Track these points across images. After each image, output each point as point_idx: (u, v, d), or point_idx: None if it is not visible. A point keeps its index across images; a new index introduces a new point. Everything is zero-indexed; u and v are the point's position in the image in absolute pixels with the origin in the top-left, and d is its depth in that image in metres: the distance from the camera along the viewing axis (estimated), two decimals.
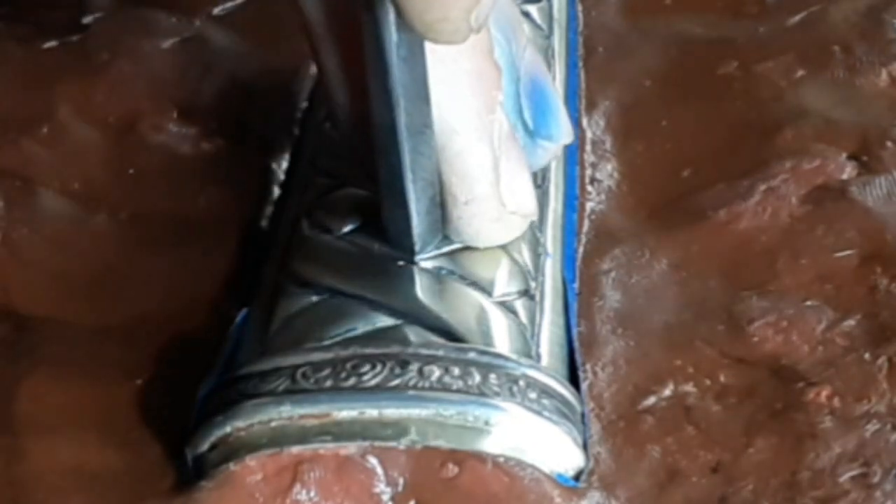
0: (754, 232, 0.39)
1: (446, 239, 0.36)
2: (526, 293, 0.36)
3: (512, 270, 0.36)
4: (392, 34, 0.31)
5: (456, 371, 0.33)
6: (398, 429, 0.33)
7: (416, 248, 0.35)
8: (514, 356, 0.34)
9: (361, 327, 0.35)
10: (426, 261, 0.36)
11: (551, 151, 0.37)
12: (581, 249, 0.40)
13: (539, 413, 0.33)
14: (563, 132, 0.37)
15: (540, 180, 0.39)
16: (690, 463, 0.34)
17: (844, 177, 0.41)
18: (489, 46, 0.35)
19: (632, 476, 0.34)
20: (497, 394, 0.33)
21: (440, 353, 0.34)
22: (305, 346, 0.34)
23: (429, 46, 0.32)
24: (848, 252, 0.38)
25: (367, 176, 0.36)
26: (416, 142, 0.33)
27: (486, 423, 0.33)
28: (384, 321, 0.35)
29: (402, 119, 0.33)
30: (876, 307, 0.37)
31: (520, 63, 0.36)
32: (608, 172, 0.42)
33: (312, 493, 0.32)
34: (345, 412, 0.33)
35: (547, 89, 0.37)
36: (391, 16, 0.31)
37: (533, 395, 0.33)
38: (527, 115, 0.37)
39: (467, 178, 0.35)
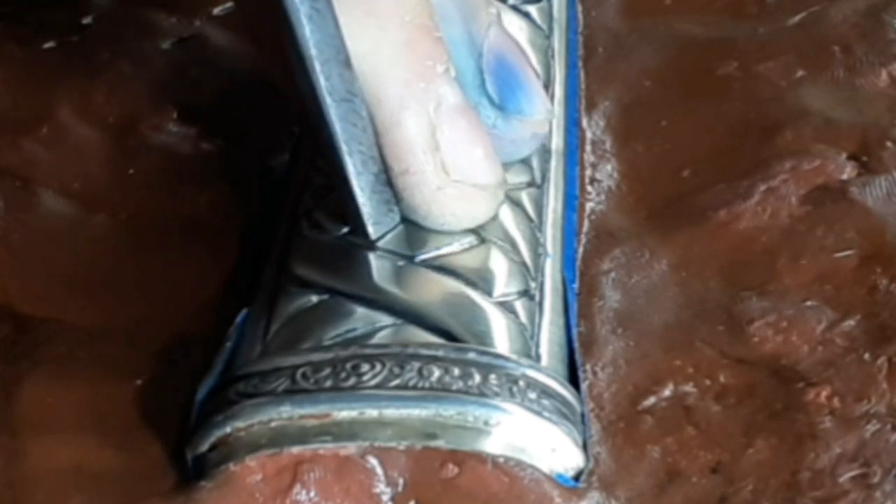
0: (754, 232, 0.39)
1: (444, 238, 0.36)
2: (526, 293, 0.36)
3: (511, 270, 0.36)
4: None
5: (456, 371, 0.33)
6: (398, 429, 0.33)
7: (370, 230, 0.35)
8: (513, 356, 0.34)
9: (361, 327, 0.35)
10: (425, 261, 0.36)
11: (529, 125, 0.38)
12: (581, 249, 0.40)
13: (539, 413, 0.33)
14: (537, 106, 0.37)
15: (540, 180, 0.39)
16: (690, 463, 0.34)
17: (844, 177, 0.41)
18: (426, 22, 0.35)
19: (632, 476, 0.34)
20: (497, 394, 0.33)
21: (440, 353, 0.34)
22: (305, 347, 0.34)
23: (346, 11, 0.33)
24: (848, 252, 0.38)
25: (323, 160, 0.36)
26: (344, 110, 0.34)
27: (486, 423, 0.33)
28: (384, 321, 0.35)
29: (322, 83, 0.33)
30: (876, 307, 0.37)
31: (481, 40, 0.37)
32: (608, 172, 0.42)
33: (312, 494, 0.32)
34: (345, 412, 0.33)
35: (515, 65, 0.37)
36: None
37: (533, 396, 0.33)
38: (491, 89, 0.37)
39: (397, 148, 0.35)
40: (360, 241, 0.36)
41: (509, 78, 0.37)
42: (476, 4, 0.37)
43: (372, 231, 0.35)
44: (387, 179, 0.35)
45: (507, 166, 0.37)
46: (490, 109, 0.37)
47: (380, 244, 0.36)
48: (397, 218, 0.36)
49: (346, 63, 0.33)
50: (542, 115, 0.38)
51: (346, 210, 0.36)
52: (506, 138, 0.37)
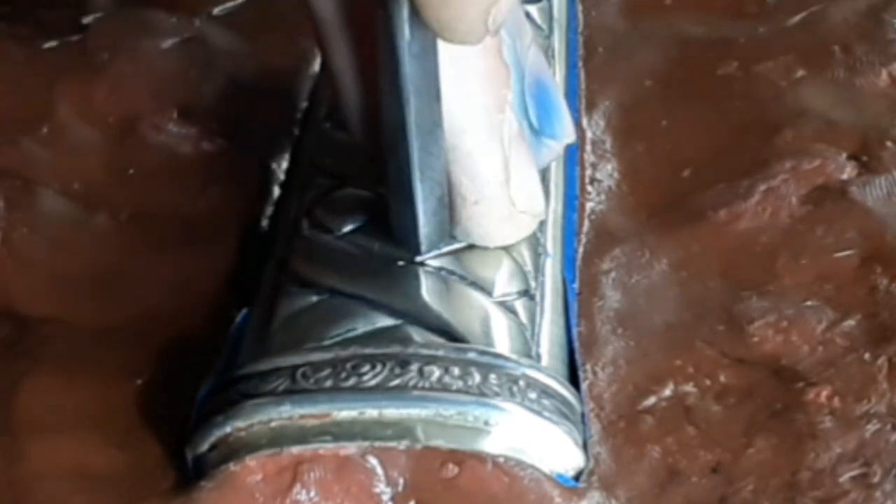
0: (754, 232, 0.39)
1: (449, 238, 0.36)
2: (526, 293, 0.36)
3: (512, 270, 0.36)
4: (405, 31, 0.31)
5: (456, 371, 0.33)
6: (398, 429, 0.33)
7: (423, 248, 0.35)
8: (514, 356, 0.34)
9: (361, 327, 0.35)
10: (426, 261, 0.36)
11: (555, 150, 0.37)
12: (581, 249, 0.40)
13: (539, 413, 0.33)
14: (567, 131, 0.37)
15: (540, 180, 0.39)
16: (690, 463, 0.34)
17: (844, 177, 0.41)
18: (498, 46, 0.35)
19: (632, 476, 0.34)
20: (497, 394, 0.33)
21: (440, 353, 0.34)
22: (305, 346, 0.34)
23: (441, 45, 0.32)
24: (848, 252, 0.38)
25: (375, 175, 0.36)
26: (426, 141, 0.33)
27: (486, 423, 0.33)
28: (384, 321, 0.35)
29: (413, 117, 0.33)
30: (876, 307, 0.37)
31: (524, 62, 0.36)
32: (608, 172, 0.42)
33: (312, 494, 0.32)
34: (345, 412, 0.33)
35: (550, 88, 0.37)
36: (405, 12, 0.31)
37: (533, 396, 0.33)
38: (532, 113, 0.36)
39: (477, 179, 0.35)
40: (360, 240, 0.36)
41: (546, 102, 0.37)
42: (521, 24, 0.37)
43: (423, 249, 0.35)
44: (448, 202, 0.35)
45: None
46: (528, 131, 0.36)
47: (381, 244, 0.36)
48: (447, 237, 0.36)
49: (438, 97, 0.33)
50: (570, 140, 0.38)
51: (397, 225, 0.35)
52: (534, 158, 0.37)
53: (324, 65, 0.35)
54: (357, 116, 0.35)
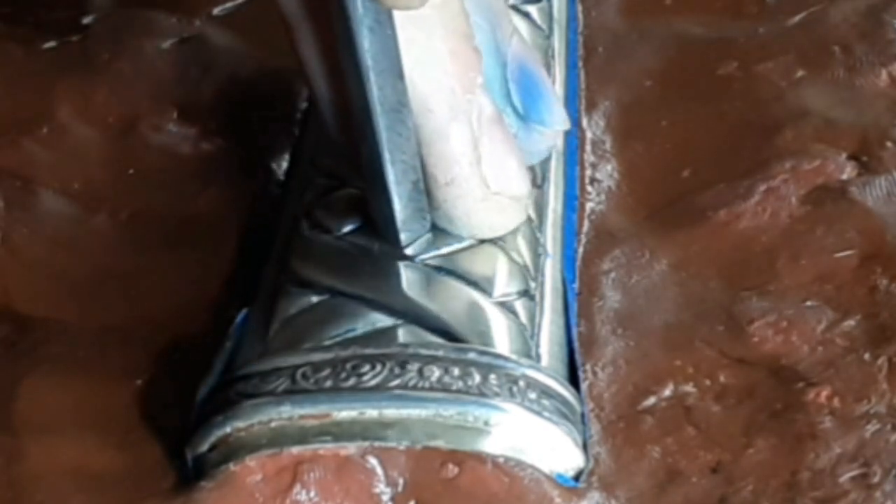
0: (754, 232, 0.39)
1: (446, 238, 0.36)
2: (526, 293, 0.36)
3: (512, 270, 0.36)
4: (357, 4, 0.32)
5: (456, 371, 0.33)
6: (398, 429, 0.33)
7: (402, 237, 0.35)
8: (513, 356, 0.34)
9: (361, 327, 0.35)
10: (426, 261, 0.36)
11: (548, 136, 0.38)
12: (581, 249, 0.40)
13: (539, 413, 0.33)
14: (556, 117, 0.38)
15: (540, 180, 0.39)
16: (690, 463, 0.34)
17: (844, 177, 0.41)
18: (467, 31, 0.35)
19: (632, 476, 0.34)
20: (497, 394, 0.33)
21: (440, 353, 0.34)
22: (305, 347, 0.34)
23: (399, 24, 0.32)
24: (848, 252, 0.38)
25: (354, 168, 0.36)
26: (392, 120, 0.34)
27: (486, 423, 0.33)
28: (384, 321, 0.35)
29: (375, 93, 0.33)
30: (876, 307, 0.37)
31: (506, 49, 0.37)
32: (608, 172, 0.42)
33: (312, 494, 0.32)
34: (345, 412, 0.33)
35: (536, 75, 0.37)
36: None
37: (533, 396, 0.33)
38: (515, 98, 0.37)
39: (444, 159, 0.35)
40: (360, 241, 0.36)
41: (532, 87, 0.37)
42: (500, 13, 0.37)
43: (403, 238, 0.35)
44: (424, 188, 0.35)
45: None
46: (513, 118, 0.37)
47: (381, 244, 0.36)
48: (428, 225, 0.36)
49: (400, 74, 0.33)
50: (561, 125, 0.38)
51: (377, 217, 0.36)
52: (524, 148, 0.37)
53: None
54: (329, 111, 0.36)
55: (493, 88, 0.36)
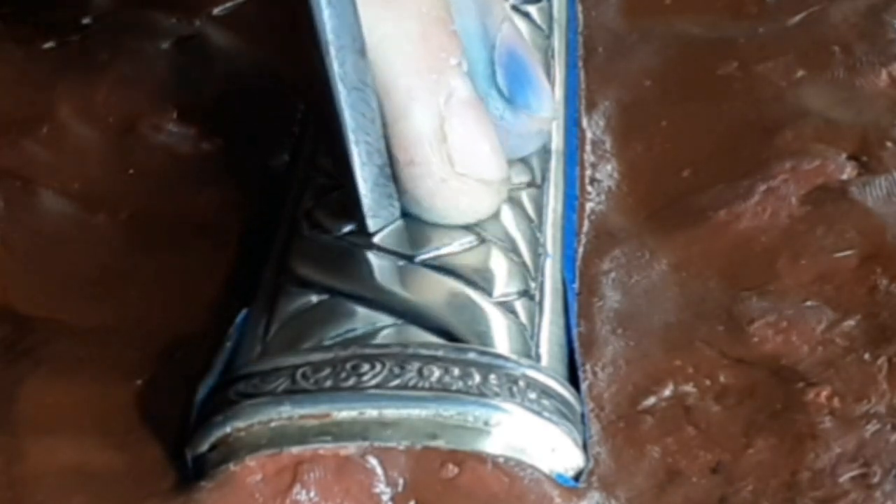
0: (754, 232, 0.39)
1: (446, 238, 0.36)
2: (525, 293, 0.36)
3: (511, 270, 0.36)
4: None
5: (456, 371, 0.33)
6: (398, 429, 0.33)
7: (370, 223, 0.36)
8: (513, 356, 0.34)
9: (361, 327, 0.35)
10: (426, 261, 0.36)
11: (535, 121, 0.38)
12: (581, 249, 0.40)
13: (539, 413, 0.33)
14: (544, 103, 0.38)
15: (539, 180, 0.39)
16: (690, 463, 0.34)
17: (844, 177, 0.41)
18: (443, 15, 0.35)
19: (632, 476, 0.34)
20: (497, 394, 0.33)
21: (440, 353, 0.34)
22: (305, 347, 0.34)
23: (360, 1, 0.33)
24: (848, 252, 0.38)
25: (330, 155, 0.36)
26: (354, 99, 0.34)
27: (486, 423, 0.33)
28: (384, 321, 0.35)
29: (336, 69, 0.33)
30: (876, 307, 0.37)
31: (495, 33, 0.37)
32: (608, 172, 0.42)
33: (312, 494, 0.32)
34: (345, 412, 0.33)
35: (525, 62, 0.38)
36: None
37: (533, 396, 0.33)
38: (501, 82, 0.37)
39: (405, 138, 0.35)
40: (360, 241, 0.36)
41: (519, 72, 0.37)
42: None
43: (371, 224, 0.36)
44: (391, 173, 0.35)
45: (508, 164, 0.37)
46: (499, 101, 0.37)
47: (380, 244, 0.36)
48: (397, 213, 0.36)
49: (361, 52, 0.33)
50: (548, 112, 0.38)
51: (348, 202, 0.36)
52: (512, 132, 0.37)
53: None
54: (310, 93, 0.36)
55: (478, 71, 0.36)
